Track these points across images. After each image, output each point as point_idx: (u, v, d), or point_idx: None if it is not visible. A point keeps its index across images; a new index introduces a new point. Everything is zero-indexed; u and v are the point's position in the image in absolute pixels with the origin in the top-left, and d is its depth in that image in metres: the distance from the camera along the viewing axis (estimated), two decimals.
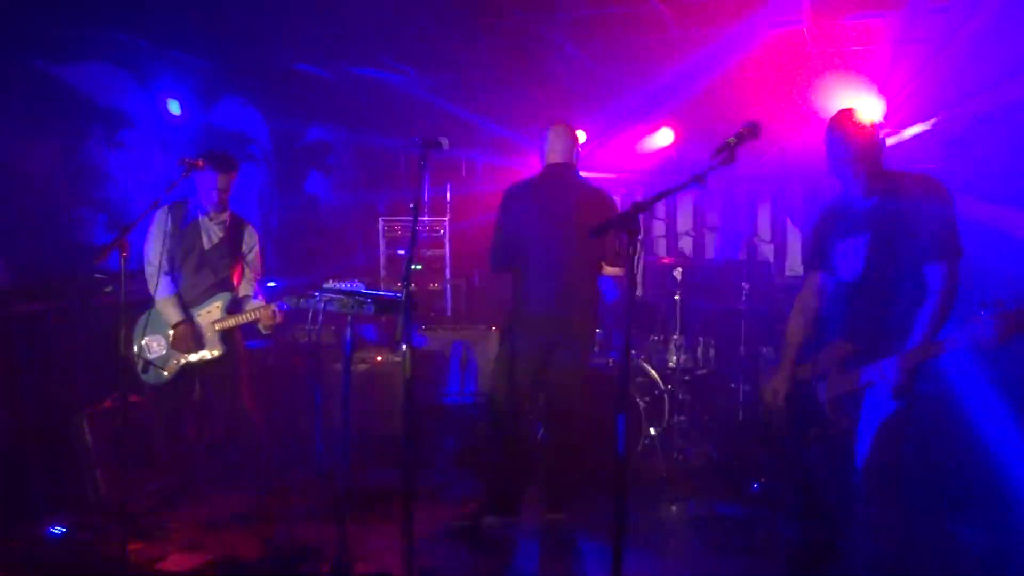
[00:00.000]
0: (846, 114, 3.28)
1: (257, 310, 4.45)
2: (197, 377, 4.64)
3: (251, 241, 4.66)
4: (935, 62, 5.75)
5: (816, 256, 3.55)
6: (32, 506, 4.39)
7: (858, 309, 3.29)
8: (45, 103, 4.96)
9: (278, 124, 7.07)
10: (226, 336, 4.49)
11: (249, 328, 4.64)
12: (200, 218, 4.49)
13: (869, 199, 3.26)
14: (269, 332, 4.58)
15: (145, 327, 4.48)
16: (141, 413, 4.87)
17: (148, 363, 4.48)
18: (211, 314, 4.47)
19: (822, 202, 3.58)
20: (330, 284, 3.97)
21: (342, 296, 3.70)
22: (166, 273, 4.42)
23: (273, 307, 4.40)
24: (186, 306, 4.45)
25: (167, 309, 4.41)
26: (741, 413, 5.93)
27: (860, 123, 3.23)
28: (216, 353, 4.46)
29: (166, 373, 4.47)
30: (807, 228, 3.69)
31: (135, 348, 4.50)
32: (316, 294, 3.77)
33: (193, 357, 4.46)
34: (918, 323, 3.08)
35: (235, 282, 4.60)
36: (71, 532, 4.14)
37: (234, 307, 4.53)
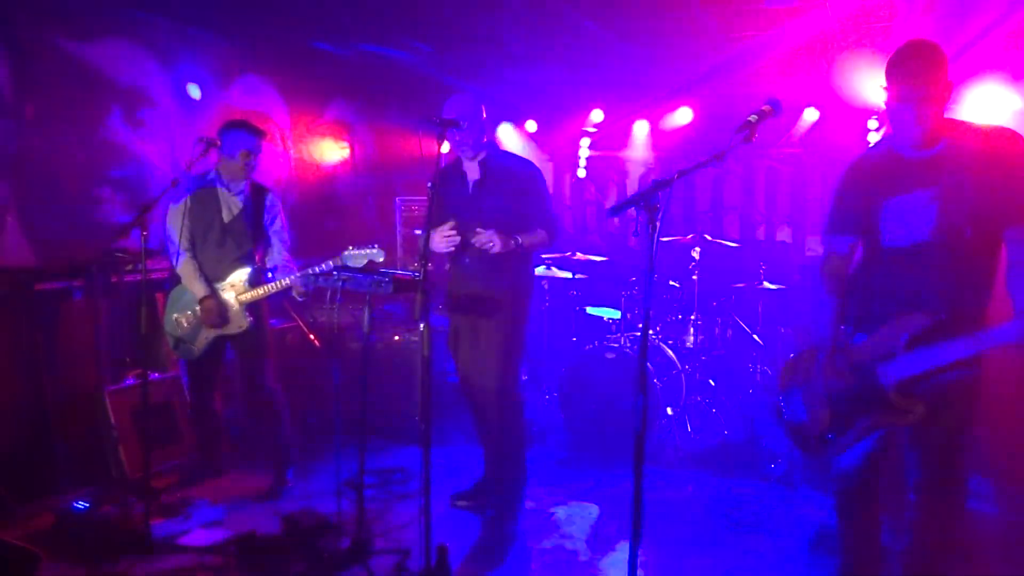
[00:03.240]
0: (916, 46, 2.73)
1: (283, 281, 4.41)
2: (225, 352, 4.67)
3: (273, 211, 4.63)
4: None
5: (849, 219, 3.03)
6: (56, 482, 4.47)
7: (930, 276, 2.79)
8: (65, 82, 4.97)
9: (296, 103, 7.06)
10: (252, 309, 4.50)
11: (271, 306, 4.63)
12: (219, 190, 4.48)
13: (931, 148, 2.77)
14: (304, 298, 4.56)
15: (175, 304, 4.53)
16: (163, 390, 4.94)
17: (178, 340, 4.52)
18: (235, 287, 4.46)
19: (848, 163, 3.08)
20: (350, 250, 4.03)
21: (359, 276, 3.71)
22: (186, 250, 4.44)
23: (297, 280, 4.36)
24: (210, 281, 4.45)
25: (191, 284, 4.43)
26: (758, 394, 5.92)
27: (933, 57, 2.70)
28: (243, 326, 4.47)
29: (195, 349, 4.51)
30: (832, 190, 3.13)
31: (166, 325, 4.56)
32: (334, 273, 3.79)
33: (221, 331, 4.48)
34: (1019, 292, 2.65)
35: (258, 255, 4.59)
36: (94, 507, 4.20)
37: (257, 279, 4.51)
